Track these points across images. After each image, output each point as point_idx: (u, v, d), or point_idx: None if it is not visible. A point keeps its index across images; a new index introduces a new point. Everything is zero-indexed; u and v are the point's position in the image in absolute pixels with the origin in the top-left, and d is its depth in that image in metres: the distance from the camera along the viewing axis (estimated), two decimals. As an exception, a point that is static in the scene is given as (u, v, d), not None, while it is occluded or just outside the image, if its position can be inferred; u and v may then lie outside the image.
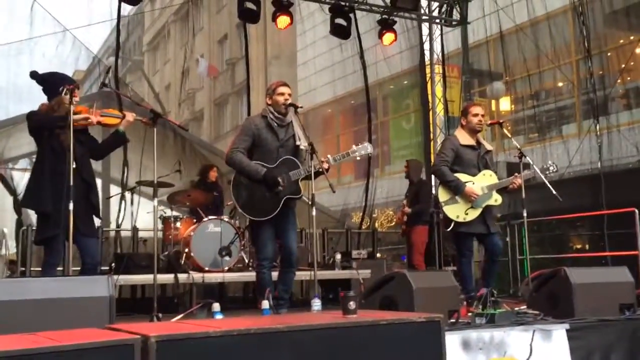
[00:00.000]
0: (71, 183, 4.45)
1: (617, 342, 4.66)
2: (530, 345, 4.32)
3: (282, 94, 5.25)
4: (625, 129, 10.26)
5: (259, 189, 5.17)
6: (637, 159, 9.85)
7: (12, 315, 3.22)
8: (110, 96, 9.24)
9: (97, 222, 5.24)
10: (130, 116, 5.07)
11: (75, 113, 4.67)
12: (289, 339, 2.87)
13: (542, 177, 5.90)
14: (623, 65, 10.82)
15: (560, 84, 12.64)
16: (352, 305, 3.27)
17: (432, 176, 10.36)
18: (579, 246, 11.66)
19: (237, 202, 5.26)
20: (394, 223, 11.65)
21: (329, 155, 5.30)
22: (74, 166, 4.57)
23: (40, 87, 4.98)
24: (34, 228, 6.55)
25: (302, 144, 5.24)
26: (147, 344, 2.55)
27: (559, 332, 4.47)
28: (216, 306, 4.54)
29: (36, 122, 4.84)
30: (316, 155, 5.09)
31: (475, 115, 5.97)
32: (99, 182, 5.52)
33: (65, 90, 4.69)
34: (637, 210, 7.67)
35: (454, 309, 4.53)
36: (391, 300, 4.49)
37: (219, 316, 4.46)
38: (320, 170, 5.14)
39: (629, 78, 11.59)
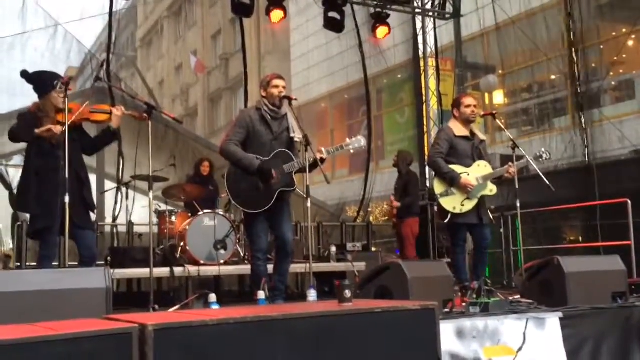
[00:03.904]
0: (66, 176, 4.47)
1: (610, 330, 4.71)
2: (524, 333, 4.36)
3: (277, 86, 5.26)
4: (616, 121, 10.32)
5: (253, 181, 5.17)
6: (629, 150, 9.90)
7: (9, 306, 3.23)
8: (104, 92, 9.24)
9: (92, 216, 5.25)
10: (118, 110, 5.06)
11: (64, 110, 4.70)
12: (285, 327, 2.90)
13: (535, 166, 5.94)
14: (615, 58, 10.87)
15: (553, 77, 12.67)
16: (347, 293, 3.30)
17: (427, 168, 10.42)
18: (572, 237, 11.70)
19: (231, 195, 5.28)
20: (387, 217, 11.69)
21: (322, 148, 5.31)
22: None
23: (31, 86, 5.00)
24: (28, 223, 6.55)
25: (297, 135, 5.26)
26: (144, 333, 2.57)
27: (552, 321, 4.50)
28: (212, 297, 4.55)
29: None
30: (310, 147, 5.10)
31: (468, 106, 5.99)
32: (93, 177, 5.54)
33: (59, 84, 4.73)
34: (629, 201, 7.72)
35: (449, 298, 4.56)
36: (386, 290, 4.50)
37: (215, 307, 4.48)
38: (316, 161, 5.14)
39: (620, 70, 11.63)
